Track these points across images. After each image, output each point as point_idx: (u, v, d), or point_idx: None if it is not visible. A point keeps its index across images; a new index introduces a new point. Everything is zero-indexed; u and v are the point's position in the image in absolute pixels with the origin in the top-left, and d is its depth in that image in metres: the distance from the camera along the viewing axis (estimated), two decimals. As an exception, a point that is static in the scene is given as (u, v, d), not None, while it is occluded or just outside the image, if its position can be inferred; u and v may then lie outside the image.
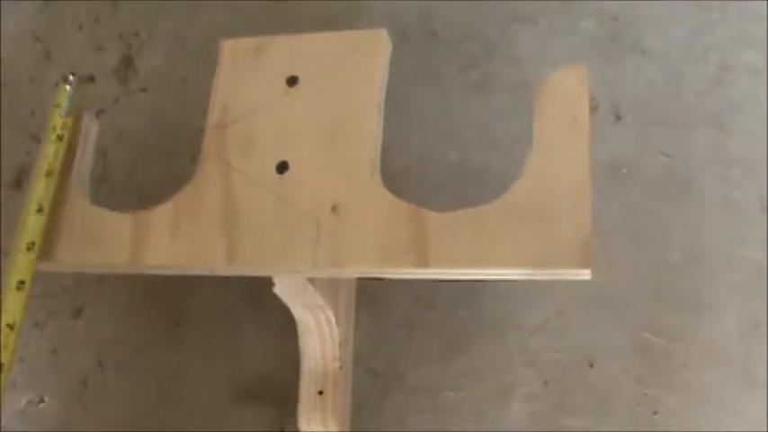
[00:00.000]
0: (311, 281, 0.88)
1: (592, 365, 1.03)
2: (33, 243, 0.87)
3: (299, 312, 0.96)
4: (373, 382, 1.07)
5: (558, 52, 1.19)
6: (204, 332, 1.14)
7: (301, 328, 0.99)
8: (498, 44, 1.22)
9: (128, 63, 1.36)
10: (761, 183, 1.07)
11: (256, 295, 1.11)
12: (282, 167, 0.85)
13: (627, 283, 1.05)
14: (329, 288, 0.94)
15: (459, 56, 1.23)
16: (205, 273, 0.85)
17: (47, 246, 0.88)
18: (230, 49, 0.94)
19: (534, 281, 0.78)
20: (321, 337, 0.99)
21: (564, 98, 0.81)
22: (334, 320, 0.97)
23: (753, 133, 1.10)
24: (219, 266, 0.84)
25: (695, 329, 1.02)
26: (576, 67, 0.82)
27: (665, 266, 1.05)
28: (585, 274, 0.75)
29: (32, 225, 0.87)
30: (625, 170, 1.11)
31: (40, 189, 0.89)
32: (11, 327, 0.82)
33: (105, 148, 1.26)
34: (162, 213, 0.87)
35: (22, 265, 0.86)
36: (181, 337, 1.14)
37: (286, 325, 1.01)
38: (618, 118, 1.14)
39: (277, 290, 0.89)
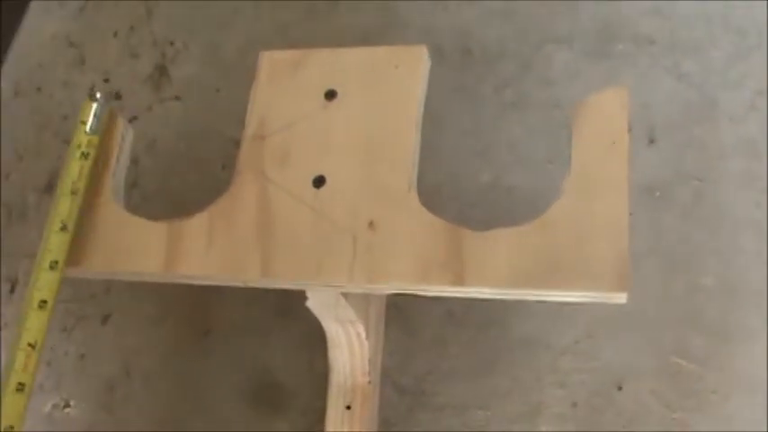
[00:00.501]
0: (344, 295, 0.88)
1: (620, 388, 1.02)
2: (56, 262, 0.86)
3: (330, 326, 0.96)
4: (401, 398, 1.06)
5: (592, 74, 1.19)
6: (233, 342, 1.14)
7: (331, 342, 0.99)
8: (533, 64, 1.23)
9: (161, 71, 1.37)
10: (795, 210, 1.06)
11: (286, 307, 1.11)
12: (319, 182, 0.85)
13: (657, 306, 1.05)
14: (361, 303, 0.93)
15: (494, 75, 1.23)
16: (239, 284, 0.85)
17: (78, 251, 0.88)
18: (269, 60, 0.94)
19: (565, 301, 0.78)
20: (351, 352, 0.99)
21: (603, 120, 0.81)
22: (364, 335, 0.97)
23: (787, 160, 1.09)
24: (254, 278, 0.83)
25: (725, 355, 1.02)
26: (618, 90, 0.82)
27: (697, 291, 1.05)
28: (621, 298, 0.75)
29: (55, 243, 0.86)
30: (658, 193, 1.11)
31: (63, 207, 0.88)
32: (32, 346, 0.82)
33: (137, 156, 1.26)
34: (197, 223, 0.87)
35: (44, 284, 0.85)
36: (209, 347, 1.14)
37: (315, 338, 1.01)
38: (651, 141, 1.14)
39: (310, 303, 0.89)
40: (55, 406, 1.15)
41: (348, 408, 1.00)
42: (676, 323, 1.04)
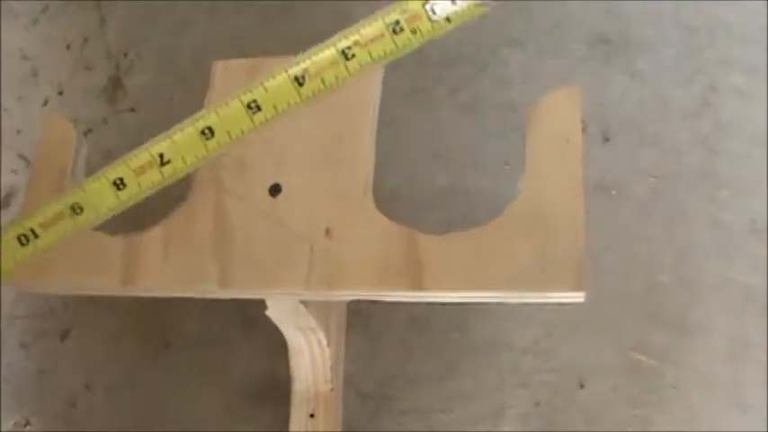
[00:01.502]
0: (304, 303, 0.88)
1: (582, 386, 1.03)
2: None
3: (290, 334, 0.95)
4: (364, 404, 1.06)
5: (547, 75, 1.20)
6: (194, 354, 1.13)
7: (293, 351, 0.99)
8: (488, 66, 1.23)
9: (116, 83, 1.36)
10: (750, 205, 1.07)
11: (247, 316, 1.11)
12: (276, 190, 0.85)
13: (616, 303, 1.05)
14: (321, 310, 0.93)
15: (449, 77, 1.23)
16: (198, 295, 0.84)
17: (36, 267, 0.87)
18: (223, 70, 0.93)
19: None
20: (312, 360, 0.99)
21: (557, 119, 0.81)
22: (325, 342, 0.96)
23: (741, 155, 1.10)
24: (212, 289, 0.83)
25: (685, 351, 1.02)
26: (570, 88, 0.82)
27: (655, 288, 1.06)
28: (579, 297, 0.75)
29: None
30: (614, 192, 1.11)
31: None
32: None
33: (93, 168, 1.24)
34: (153, 236, 0.86)
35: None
36: (170, 359, 1.14)
37: (277, 346, 1.00)
38: (606, 139, 1.14)
39: (269, 312, 0.88)
40: (16, 424, 1.14)
41: (312, 416, 1.00)
42: (636, 320, 1.05)
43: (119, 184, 0.82)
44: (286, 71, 0.74)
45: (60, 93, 1.37)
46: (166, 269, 0.84)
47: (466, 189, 1.14)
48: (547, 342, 1.05)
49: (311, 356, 0.98)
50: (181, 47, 1.36)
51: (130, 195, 0.82)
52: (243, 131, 0.78)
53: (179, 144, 0.79)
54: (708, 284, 1.05)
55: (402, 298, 0.80)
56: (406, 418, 1.05)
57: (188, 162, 0.79)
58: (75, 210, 0.82)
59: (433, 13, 0.70)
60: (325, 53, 0.75)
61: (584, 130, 1.11)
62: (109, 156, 1.26)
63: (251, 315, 1.07)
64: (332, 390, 1.01)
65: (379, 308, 1.08)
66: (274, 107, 0.77)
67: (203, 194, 0.86)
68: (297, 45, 1.23)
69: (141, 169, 0.81)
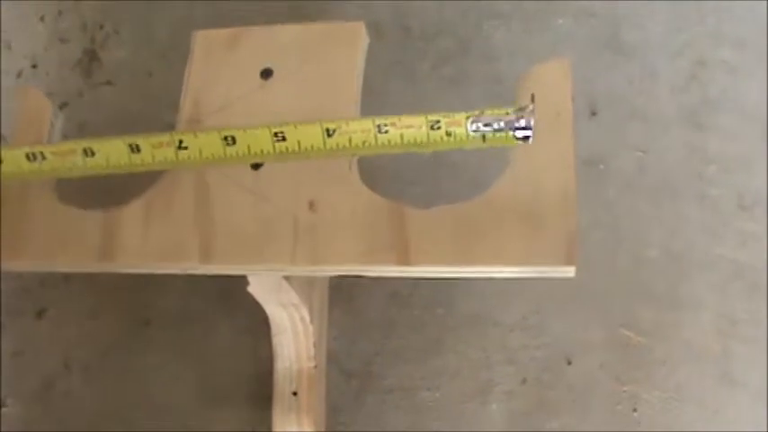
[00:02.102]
0: (287, 279, 0.86)
1: (570, 362, 1.02)
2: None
3: (272, 311, 0.94)
4: (348, 382, 1.05)
5: (533, 49, 1.18)
6: (174, 332, 1.11)
7: (275, 328, 0.97)
8: (472, 41, 1.21)
9: (92, 56, 1.33)
10: (738, 180, 1.07)
11: (227, 293, 1.09)
12: (257, 163, 0.83)
13: (604, 279, 1.05)
14: (304, 286, 0.92)
15: (433, 52, 1.22)
16: (178, 272, 0.82)
17: (11, 245, 0.84)
18: (202, 40, 0.91)
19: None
20: (295, 337, 0.97)
21: (547, 92, 0.79)
22: (308, 319, 0.95)
23: (729, 130, 1.10)
24: (193, 266, 0.81)
25: (673, 326, 1.02)
26: (560, 60, 0.81)
27: (643, 263, 1.05)
28: (570, 272, 0.74)
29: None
30: (601, 166, 1.10)
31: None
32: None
33: (69, 143, 1.22)
34: (132, 211, 0.84)
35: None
36: (149, 338, 1.11)
37: (259, 324, 0.99)
38: (593, 114, 1.13)
39: (251, 288, 0.87)
40: (-9, 405, 1.11)
41: (294, 394, 0.99)
42: (624, 296, 1.04)
43: (134, 148, 0.81)
44: (321, 123, 0.76)
45: (34, 66, 1.34)
46: (145, 245, 0.82)
47: (451, 163, 1.12)
48: (534, 318, 1.05)
49: (294, 333, 0.97)
50: (159, 20, 1.33)
51: (142, 161, 0.81)
52: (263, 151, 0.79)
53: (200, 139, 0.79)
54: (696, 260, 1.04)
55: (388, 273, 0.78)
56: (390, 396, 1.04)
57: (203, 155, 0.79)
58: (88, 152, 0.81)
59: (473, 129, 0.74)
60: (363, 121, 0.77)
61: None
62: (84, 129, 1.24)
63: (232, 291, 1.05)
64: (315, 367, 0.99)
65: (362, 284, 1.06)
66: (298, 143, 0.78)
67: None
68: (277, 17, 1.22)
69: (159, 144, 0.80)
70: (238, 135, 0.79)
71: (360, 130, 0.76)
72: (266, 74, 0.87)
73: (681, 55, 1.15)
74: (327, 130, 0.77)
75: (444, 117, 0.74)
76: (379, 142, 0.76)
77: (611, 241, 1.06)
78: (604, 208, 1.08)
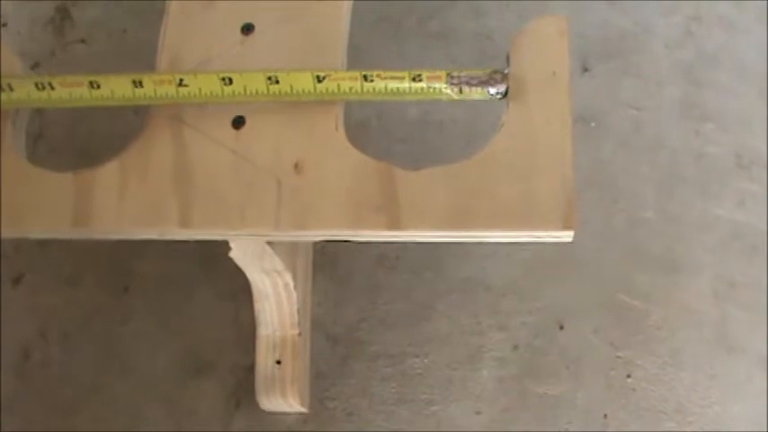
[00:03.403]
0: (270, 244, 0.83)
1: (562, 327, 1.00)
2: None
3: (255, 277, 0.91)
4: (334, 348, 1.03)
5: (522, 4, 1.15)
6: (154, 299, 1.08)
7: (257, 294, 0.94)
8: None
9: (64, 14, 1.29)
10: (735, 138, 1.05)
11: (209, 258, 1.07)
12: (239, 122, 0.79)
13: (598, 241, 1.03)
14: (288, 251, 0.89)
15: (419, 7, 1.19)
16: (156, 237, 0.79)
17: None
18: (179, -3, 0.87)
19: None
20: (278, 303, 0.95)
21: (543, 50, 0.77)
22: (292, 285, 0.92)
23: (726, 87, 1.08)
24: (172, 230, 0.78)
25: (669, 290, 1.00)
26: (556, 17, 0.78)
27: (638, 224, 1.03)
28: (567, 237, 0.72)
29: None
30: (593, 124, 1.08)
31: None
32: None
33: (42, 104, 1.19)
34: (107, 172, 0.80)
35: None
36: (129, 305, 1.08)
37: (241, 290, 0.96)
38: (585, 70, 1.11)
39: (233, 254, 0.84)
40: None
41: (278, 362, 0.96)
42: (618, 258, 1.02)
43: (137, 83, 0.81)
44: (311, 71, 0.79)
45: (4, 24, 1.30)
46: (122, 209, 0.78)
47: (439, 121, 1.09)
48: (526, 282, 1.03)
49: (277, 300, 0.94)
50: (133, -24, 1.29)
51: (145, 95, 0.81)
52: (257, 91, 0.79)
53: (200, 79, 0.80)
54: (693, 221, 1.03)
55: (377, 238, 0.75)
56: (377, 363, 1.02)
57: (203, 92, 0.80)
58: (93, 85, 0.82)
59: (452, 82, 0.77)
60: (351, 72, 0.79)
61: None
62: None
63: (214, 257, 1.02)
64: (299, 334, 0.97)
65: (348, 247, 1.03)
66: (291, 86, 0.78)
67: (160, 127, 0.81)
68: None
69: (160, 81, 0.81)
70: (235, 77, 0.78)
71: (348, 78, 0.78)
72: (247, 29, 0.84)
73: (676, 10, 1.13)
74: (318, 77, 0.78)
75: (427, 72, 0.77)
76: (365, 89, 0.78)
77: (605, 202, 1.04)
78: (597, 167, 1.06)
